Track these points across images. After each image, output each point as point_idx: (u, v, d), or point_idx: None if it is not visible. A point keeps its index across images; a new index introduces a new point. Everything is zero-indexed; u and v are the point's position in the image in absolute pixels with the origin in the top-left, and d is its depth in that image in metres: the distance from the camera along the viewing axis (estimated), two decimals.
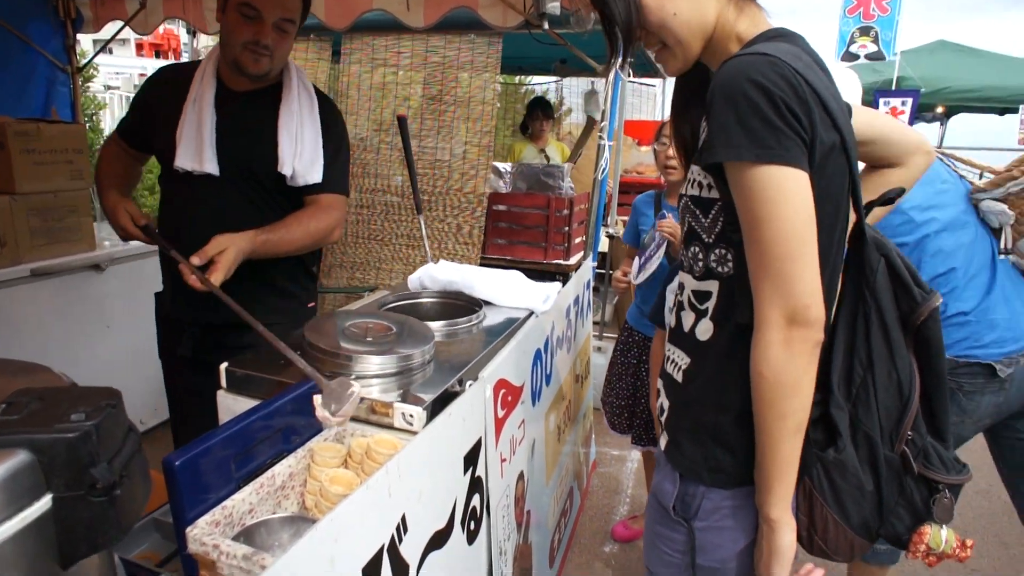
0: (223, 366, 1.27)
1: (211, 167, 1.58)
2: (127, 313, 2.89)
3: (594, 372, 3.28)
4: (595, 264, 3.07)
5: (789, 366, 0.85)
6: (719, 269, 0.97)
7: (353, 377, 1.22)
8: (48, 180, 2.44)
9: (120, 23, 3.34)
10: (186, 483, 0.88)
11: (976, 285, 1.64)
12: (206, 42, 3.27)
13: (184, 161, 1.58)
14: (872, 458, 0.95)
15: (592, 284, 2.75)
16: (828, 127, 0.87)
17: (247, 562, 0.78)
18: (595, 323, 3.87)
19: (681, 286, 1.08)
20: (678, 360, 1.06)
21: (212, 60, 1.67)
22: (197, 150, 1.59)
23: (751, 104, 0.83)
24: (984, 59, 7.37)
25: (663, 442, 1.08)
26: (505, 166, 3.30)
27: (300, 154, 1.63)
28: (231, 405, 1.24)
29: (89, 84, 7.06)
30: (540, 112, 4.67)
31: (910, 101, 6.02)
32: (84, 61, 3.65)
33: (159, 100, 1.69)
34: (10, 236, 2.31)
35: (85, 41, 3.70)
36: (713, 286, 0.98)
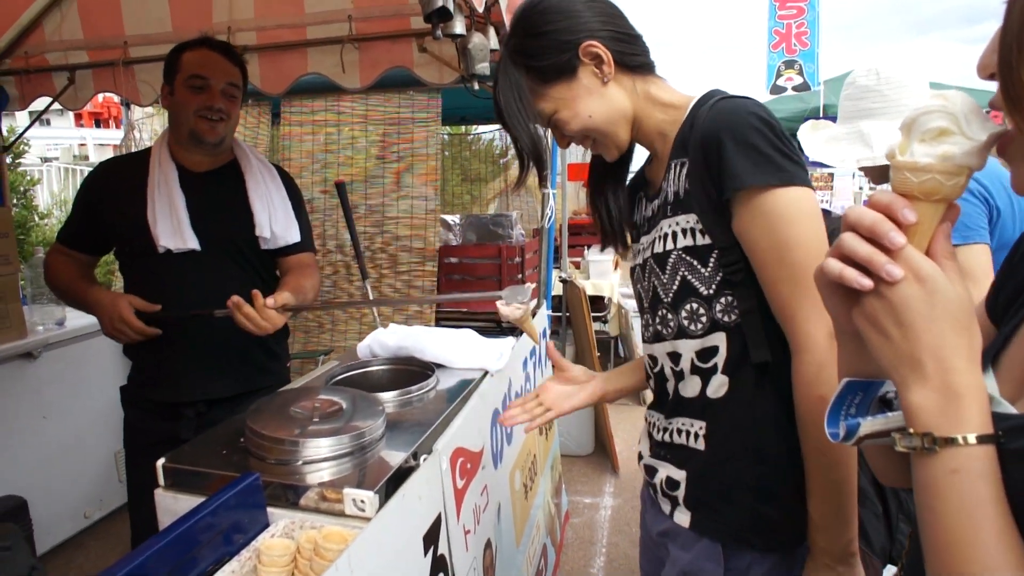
0: (160, 462, 1.19)
1: (193, 243, 1.63)
2: (65, 401, 2.73)
3: (559, 420, 3.24)
4: (550, 311, 3.06)
5: None
6: (725, 319, 0.93)
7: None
8: None
9: (48, 99, 3.25)
10: None
11: None
12: (139, 114, 3.20)
13: (167, 240, 1.61)
14: (875, 478, 0.93)
15: (549, 331, 2.73)
16: None
17: None
18: None
19: (674, 355, 1.00)
20: (689, 429, 1.00)
21: (164, 145, 1.70)
22: (176, 228, 1.62)
23: (762, 134, 0.85)
24: None
25: (685, 520, 1.01)
26: (454, 218, 3.30)
27: (275, 218, 1.72)
28: (171, 505, 1.16)
29: (20, 160, 6.83)
30: None
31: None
32: (12, 138, 3.53)
33: (109, 193, 1.69)
34: None
35: (21, 114, 3.61)
36: (720, 339, 0.94)
